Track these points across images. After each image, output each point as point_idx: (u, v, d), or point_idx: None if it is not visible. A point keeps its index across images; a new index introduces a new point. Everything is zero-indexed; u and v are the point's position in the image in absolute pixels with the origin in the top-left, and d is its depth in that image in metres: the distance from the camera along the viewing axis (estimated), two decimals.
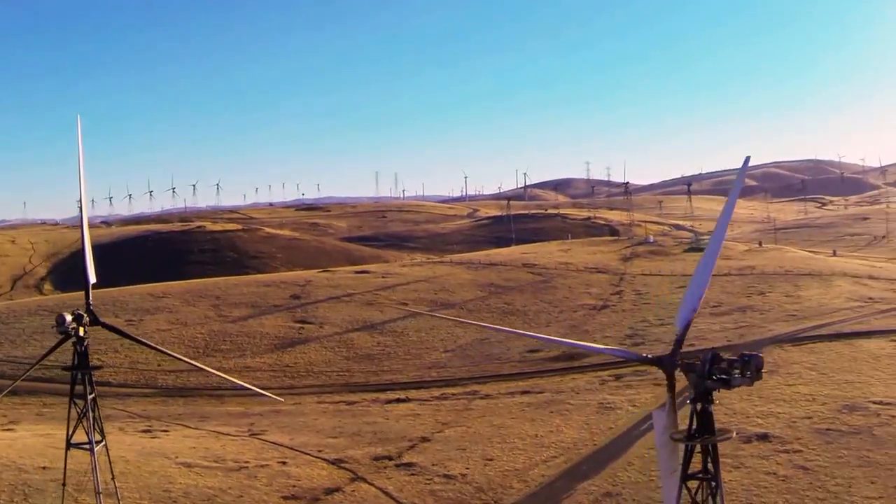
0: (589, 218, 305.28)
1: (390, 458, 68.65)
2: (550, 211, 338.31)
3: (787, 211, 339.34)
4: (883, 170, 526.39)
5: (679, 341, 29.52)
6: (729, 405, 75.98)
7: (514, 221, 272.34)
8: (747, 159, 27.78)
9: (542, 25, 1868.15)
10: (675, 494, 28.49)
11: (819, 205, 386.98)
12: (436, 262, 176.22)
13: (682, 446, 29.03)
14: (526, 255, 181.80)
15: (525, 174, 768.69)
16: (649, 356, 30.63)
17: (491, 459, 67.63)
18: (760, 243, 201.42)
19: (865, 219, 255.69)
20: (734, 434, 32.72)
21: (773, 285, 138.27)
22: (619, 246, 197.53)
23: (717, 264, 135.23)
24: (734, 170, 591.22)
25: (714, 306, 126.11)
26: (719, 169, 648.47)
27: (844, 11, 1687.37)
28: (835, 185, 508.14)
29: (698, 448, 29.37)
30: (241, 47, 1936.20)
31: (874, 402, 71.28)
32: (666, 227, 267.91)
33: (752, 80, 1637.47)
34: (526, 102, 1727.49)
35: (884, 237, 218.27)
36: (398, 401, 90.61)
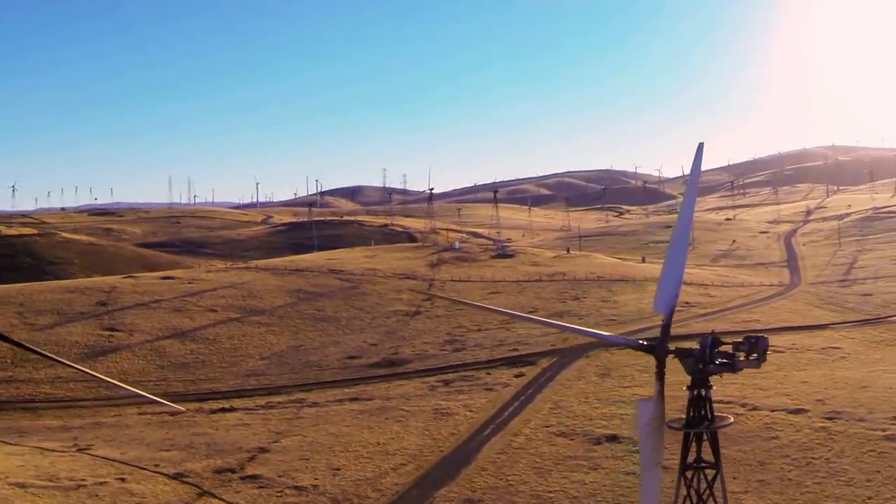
0: (386, 225, 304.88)
1: (233, 471, 64.45)
2: (347, 218, 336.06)
3: (586, 219, 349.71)
4: (684, 180, 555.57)
5: (667, 327, 27.19)
6: (568, 408, 76.40)
7: (311, 228, 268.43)
8: (701, 146, 26.05)
9: (339, 30, 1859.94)
10: (656, 487, 26.83)
11: (616, 213, 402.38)
12: (242, 268, 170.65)
13: (665, 437, 27.64)
14: (332, 261, 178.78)
15: (318, 181, 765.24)
16: (643, 343, 28.28)
17: (338, 469, 64.74)
18: (569, 250, 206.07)
19: (668, 227, 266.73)
20: (732, 419, 31.18)
21: (587, 291, 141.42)
22: (425, 252, 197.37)
23: (528, 270, 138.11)
24: (529, 178, 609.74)
25: (531, 312, 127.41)
26: (514, 178, 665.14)
27: (638, 29, 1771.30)
28: (632, 195, 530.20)
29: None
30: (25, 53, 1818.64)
31: (715, 402, 72.68)
32: (463, 235, 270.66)
33: (545, 90, 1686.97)
34: (318, 109, 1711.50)
35: (690, 245, 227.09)
36: (223, 410, 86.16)
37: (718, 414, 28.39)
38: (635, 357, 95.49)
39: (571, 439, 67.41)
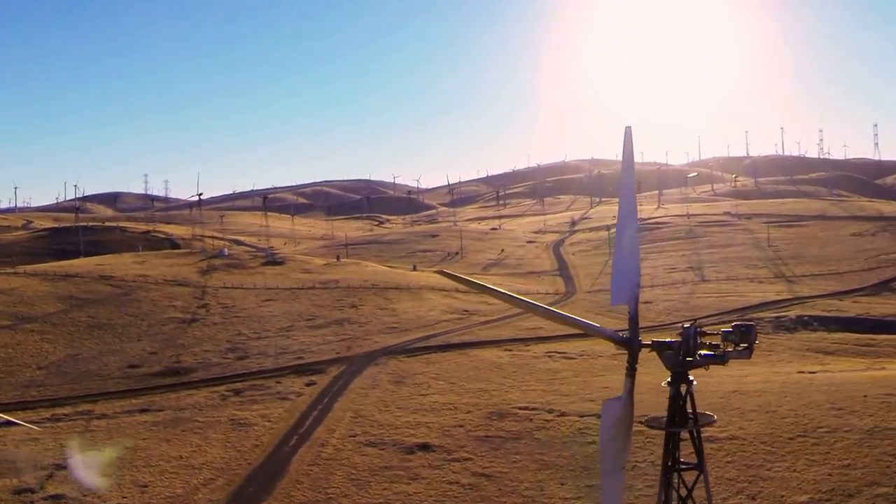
0: (149, 231, 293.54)
1: (33, 491, 59.51)
2: (109, 224, 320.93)
3: (347, 228, 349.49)
4: (451, 188, 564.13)
5: (634, 319, 24.24)
6: (370, 417, 75.47)
7: (75, 233, 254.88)
8: (628, 129, 24.57)
9: (95, 28, 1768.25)
10: (618, 494, 24.38)
11: (377, 223, 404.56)
12: (10, 273, 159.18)
13: (630, 441, 25.21)
14: (101, 267, 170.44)
15: (76, 186, 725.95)
16: (622, 335, 25.80)
17: (145, 486, 61.08)
18: (339, 257, 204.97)
19: (435, 236, 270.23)
20: (715, 416, 29.49)
21: (362, 298, 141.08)
22: (195, 259, 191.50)
23: (300, 277, 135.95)
24: (287, 187, 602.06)
25: (309, 319, 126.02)
26: (272, 186, 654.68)
27: (387, 45, 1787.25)
28: (392, 205, 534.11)
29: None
30: None
31: (520, 409, 74.15)
32: (227, 242, 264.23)
33: (300, 103, 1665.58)
34: (79, 112, 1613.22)
35: (457, 253, 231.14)
36: (8, 424, 79.18)
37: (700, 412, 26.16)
38: (426, 364, 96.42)
39: (382, 449, 66.50)
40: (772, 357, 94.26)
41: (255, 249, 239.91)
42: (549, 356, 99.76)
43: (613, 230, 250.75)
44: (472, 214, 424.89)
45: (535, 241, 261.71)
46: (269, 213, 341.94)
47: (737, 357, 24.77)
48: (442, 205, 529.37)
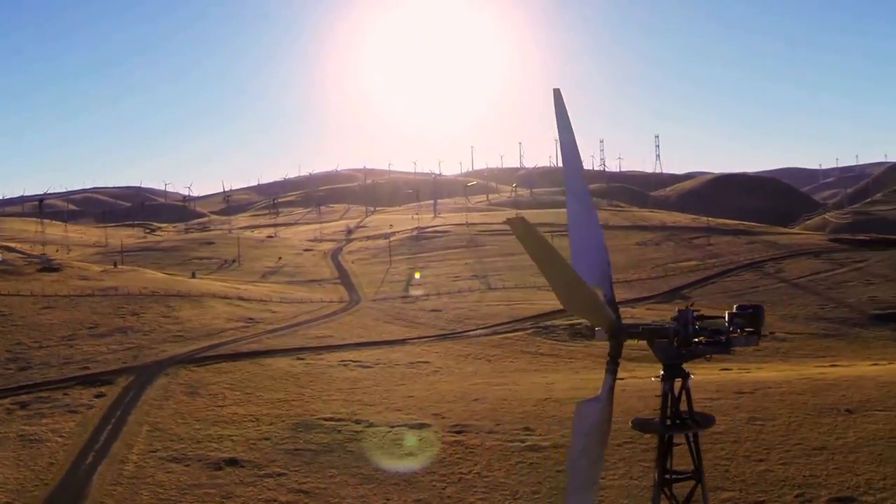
0: None
1: None
2: None
3: (119, 235, 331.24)
4: (225, 195, 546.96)
5: (613, 302, 19.90)
6: (169, 430, 69.44)
7: None
8: (557, 91, 21.11)
9: None
10: None
11: (149, 230, 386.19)
12: None
13: (603, 453, 20.41)
14: None
15: None
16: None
17: None
18: (115, 264, 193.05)
19: (210, 243, 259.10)
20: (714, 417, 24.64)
21: (143, 306, 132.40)
22: None
23: (78, 284, 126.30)
24: (56, 193, 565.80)
25: (91, 327, 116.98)
26: (42, 192, 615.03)
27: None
28: (163, 212, 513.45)
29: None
30: None
31: (325, 419, 69.86)
32: None
33: (70, 105, 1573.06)
34: None
35: (234, 261, 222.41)
36: None
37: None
38: (217, 374, 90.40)
39: (187, 465, 60.77)
40: (574, 364, 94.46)
41: (28, 256, 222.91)
42: (345, 365, 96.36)
43: (391, 239, 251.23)
44: (246, 222, 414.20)
45: (312, 249, 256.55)
46: (40, 221, 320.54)
47: (743, 344, 20.37)
48: (214, 213, 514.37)
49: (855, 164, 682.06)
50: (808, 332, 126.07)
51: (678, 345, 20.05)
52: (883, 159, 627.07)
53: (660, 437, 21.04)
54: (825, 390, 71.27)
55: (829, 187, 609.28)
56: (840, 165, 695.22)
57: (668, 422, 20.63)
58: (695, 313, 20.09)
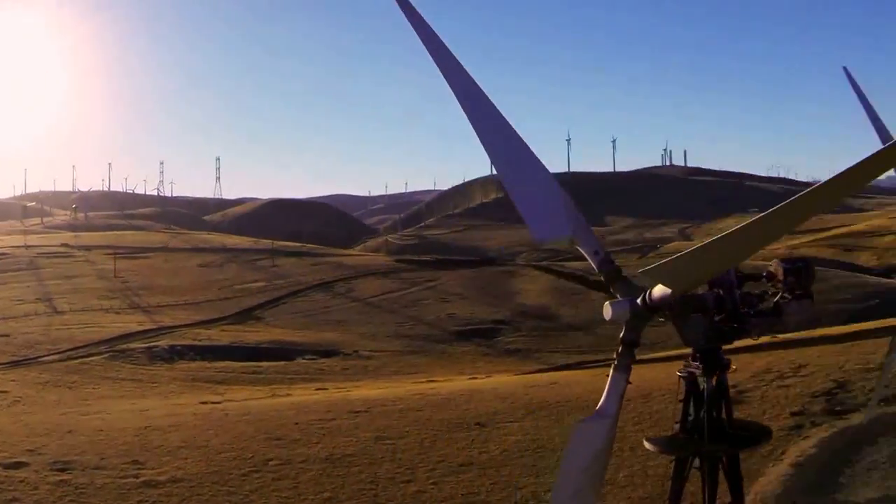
0: None
1: None
2: None
3: None
4: None
5: (611, 259, 14.12)
6: None
7: None
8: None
9: None
10: None
11: None
12: None
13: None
14: None
15: None
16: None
17: None
18: None
19: None
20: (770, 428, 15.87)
21: None
22: None
23: None
24: None
25: None
26: None
27: None
28: None
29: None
30: None
31: None
32: None
33: None
34: None
35: None
36: None
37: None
38: None
39: None
40: (160, 388, 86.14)
41: None
42: None
43: None
44: None
45: None
46: None
47: (797, 313, 13.84)
48: None
49: (404, 191, 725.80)
50: (391, 350, 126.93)
51: (723, 320, 12.87)
52: (432, 187, 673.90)
53: (681, 460, 14.06)
54: (443, 406, 69.17)
55: (379, 213, 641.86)
56: (389, 192, 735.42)
57: (713, 435, 13.32)
58: (741, 275, 13.21)
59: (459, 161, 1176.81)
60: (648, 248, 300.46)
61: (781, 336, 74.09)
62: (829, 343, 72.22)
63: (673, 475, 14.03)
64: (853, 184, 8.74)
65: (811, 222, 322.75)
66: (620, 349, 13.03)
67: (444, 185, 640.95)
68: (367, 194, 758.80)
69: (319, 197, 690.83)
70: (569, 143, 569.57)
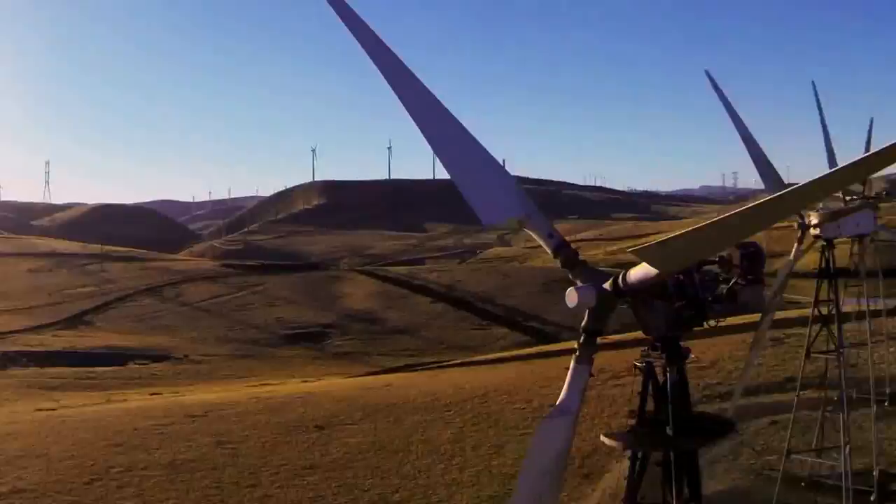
0: None
1: None
2: None
3: None
4: None
5: (566, 242, 12.36)
6: None
7: None
8: None
9: None
10: None
11: None
12: None
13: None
14: None
15: None
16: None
17: None
18: None
19: None
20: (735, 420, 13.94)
21: None
22: None
23: None
24: None
25: None
26: None
27: None
28: None
29: None
30: None
31: None
32: None
33: None
34: None
35: None
36: None
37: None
38: None
39: None
40: None
41: None
42: None
43: None
44: None
45: None
46: None
47: (751, 299, 12.91)
48: None
49: (227, 197, 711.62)
50: (222, 354, 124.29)
51: (684, 307, 11.92)
52: (254, 193, 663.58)
53: (638, 456, 12.95)
54: (281, 409, 67.95)
55: (203, 218, 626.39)
56: (213, 198, 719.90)
57: (680, 428, 12.17)
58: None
59: (282, 167, 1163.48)
60: (469, 253, 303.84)
61: (612, 337, 76.25)
62: None
63: (630, 472, 12.93)
64: (851, 178, 8.38)
65: (628, 229, 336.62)
66: (582, 339, 11.90)
67: (267, 192, 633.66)
68: (192, 200, 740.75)
69: (145, 202, 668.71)
70: (390, 151, 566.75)
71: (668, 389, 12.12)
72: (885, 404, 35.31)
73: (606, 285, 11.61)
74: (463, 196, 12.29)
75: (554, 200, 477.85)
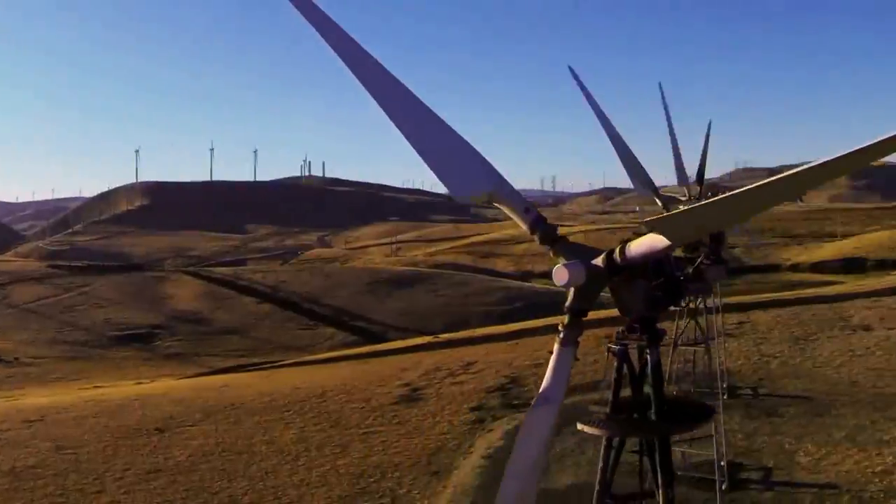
0: None
1: None
2: None
3: None
4: None
5: (542, 218, 11.35)
6: None
7: None
8: None
9: None
10: None
11: None
12: None
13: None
14: None
15: None
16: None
17: None
18: None
19: None
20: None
21: None
22: None
23: None
24: None
25: None
26: None
27: None
28: None
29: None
30: None
31: None
32: None
33: None
34: None
35: None
36: None
37: None
38: None
39: None
40: None
41: None
42: None
43: None
44: None
45: None
46: None
47: (716, 277, 13.99)
48: None
49: (51, 198, 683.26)
50: (52, 356, 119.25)
51: (660, 286, 11.04)
52: (78, 194, 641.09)
53: (609, 442, 12.34)
54: (118, 412, 65.97)
55: (27, 219, 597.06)
56: (37, 199, 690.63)
57: (662, 413, 11.45)
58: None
59: (105, 168, 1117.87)
60: (290, 254, 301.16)
61: (444, 336, 77.59)
62: (494, 342, 74.54)
63: (604, 459, 12.27)
64: (855, 164, 8.08)
65: (447, 231, 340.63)
66: (567, 320, 10.79)
67: (91, 192, 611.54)
68: (15, 200, 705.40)
69: None
70: (212, 153, 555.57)
71: (650, 372, 11.40)
72: (724, 397, 37.32)
73: (598, 261, 10.68)
74: (432, 171, 11.33)
75: (373, 203, 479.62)
